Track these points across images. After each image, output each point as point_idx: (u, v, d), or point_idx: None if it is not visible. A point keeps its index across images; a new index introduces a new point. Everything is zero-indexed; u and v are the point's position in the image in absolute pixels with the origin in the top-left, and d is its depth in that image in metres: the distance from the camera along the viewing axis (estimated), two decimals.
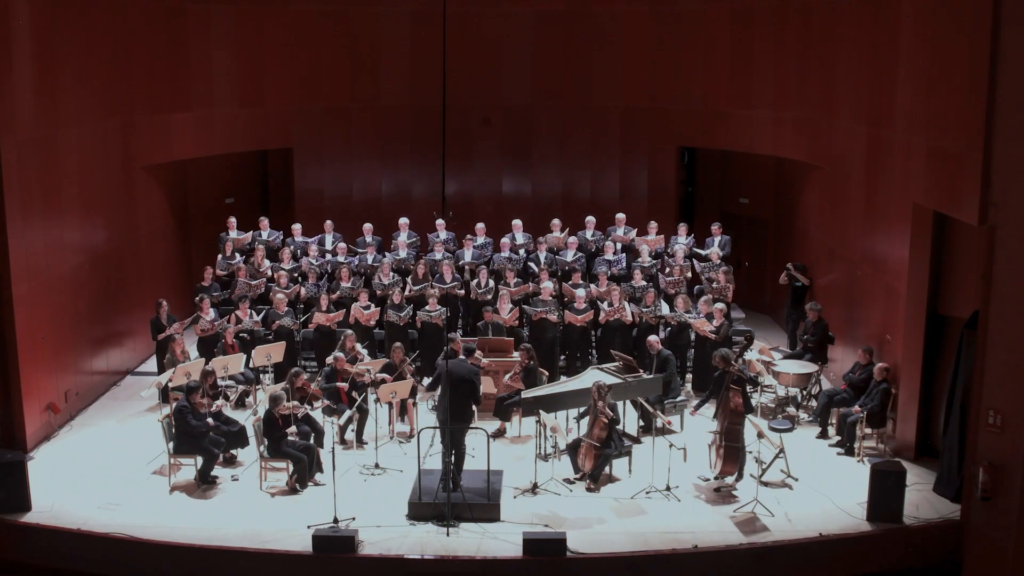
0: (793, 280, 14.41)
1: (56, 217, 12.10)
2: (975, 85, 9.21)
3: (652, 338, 12.43)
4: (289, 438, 10.61)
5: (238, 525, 9.83)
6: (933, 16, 10.32)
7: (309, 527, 9.62)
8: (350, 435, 11.81)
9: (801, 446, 11.53)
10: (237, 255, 14.84)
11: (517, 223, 15.26)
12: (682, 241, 14.87)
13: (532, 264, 14.56)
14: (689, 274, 14.25)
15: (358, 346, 12.48)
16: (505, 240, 14.83)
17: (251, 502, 10.40)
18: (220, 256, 14.79)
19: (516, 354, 12.50)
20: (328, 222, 15.45)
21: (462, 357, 10.46)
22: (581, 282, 13.92)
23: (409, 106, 16.88)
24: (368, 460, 11.18)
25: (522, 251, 14.91)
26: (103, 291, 13.35)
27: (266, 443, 10.61)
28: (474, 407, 10.49)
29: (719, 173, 17.76)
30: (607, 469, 10.79)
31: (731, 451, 10.51)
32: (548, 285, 13.58)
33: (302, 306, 14.11)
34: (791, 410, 12.71)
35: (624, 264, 14.59)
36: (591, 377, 11.58)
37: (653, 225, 15.04)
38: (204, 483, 10.70)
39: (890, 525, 9.82)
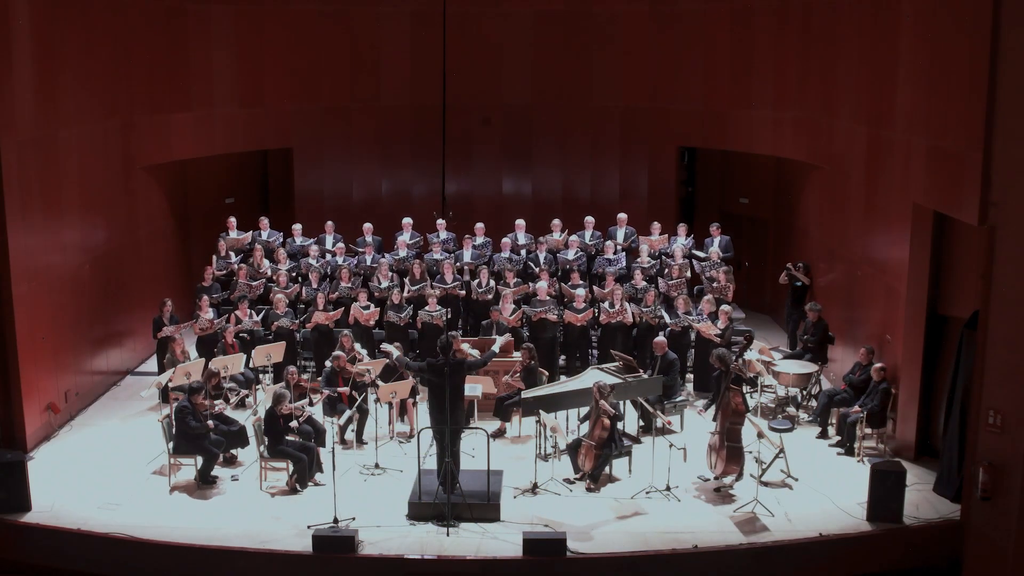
0: (793, 280, 14.40)
1: (56, 217, 12.10)
2: (975, 85, 9.21)
3: (660, 339, 12.42)
4: (288, 437, 10.61)
5: (238, 525, 9.83)
6: (933, 16, 10.31)
7: (309, 527, 9.62)
8: (350, 435, 11.81)
9: (801, 446, 11.53)
10: (232, 255, 14.83)
11: (520, 223, 15.23)
12: (681, 241, 14.86)
13: (531, 264, 14.54)
14: (688, 274, 14.23)
15: (357, 346, 12.48)
16: (506, 240, 14.82)
17: (251, 502, 10.40)
18: (215, 256, 14.78)
19: (517, 354, 12.49)
20: (329, 223, 15.44)
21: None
22: (580, 282, 13.91)
23: (409, 106, 16.86)
24: (368, 460, 11.18)
25: (523, 251, 14.89)
26: (103, 291, 13.34)
27: (266, 442, 10.61)
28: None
29: (719, 173, 17.75)
30: (607, 469, 10.79)
31: (733, 451, 10.51)
32: (544, 285, 13.55)
33: (302, 306, 14.10)
34: (791, 410, 12.71)
35: (624, 263, 14.57)
36: (591, 377, 11.58)
37: (656, 225, 15.01)
38: (204, 483, 10.70)
39: (890, 525, 9.81)
